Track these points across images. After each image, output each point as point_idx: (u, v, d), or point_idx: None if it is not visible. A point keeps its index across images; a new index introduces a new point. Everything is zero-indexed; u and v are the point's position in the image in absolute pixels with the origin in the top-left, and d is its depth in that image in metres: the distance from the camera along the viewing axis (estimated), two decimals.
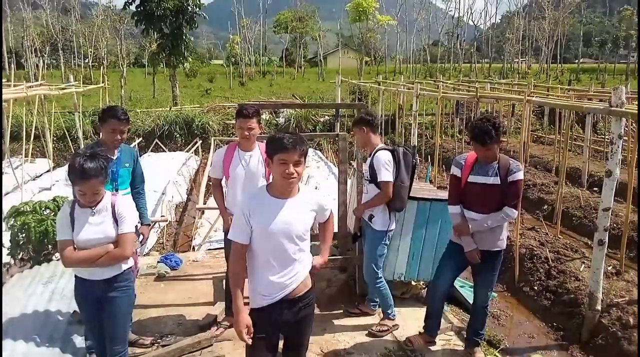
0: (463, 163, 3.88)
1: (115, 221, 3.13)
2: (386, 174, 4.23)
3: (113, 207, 3.14)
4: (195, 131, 16.50)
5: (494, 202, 3.79)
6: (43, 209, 5.11)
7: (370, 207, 4.38)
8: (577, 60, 57.43)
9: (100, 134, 3.97)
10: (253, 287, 2.78)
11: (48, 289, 4.44)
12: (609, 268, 5.99)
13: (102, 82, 15.87)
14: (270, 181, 2.77)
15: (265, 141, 2.63)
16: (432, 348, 4.31)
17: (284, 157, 2.58)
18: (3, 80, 13.02)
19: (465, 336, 4.39)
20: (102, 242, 3.10)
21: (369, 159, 4.40)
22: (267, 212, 2.68)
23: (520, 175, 3.76)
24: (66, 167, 3.14)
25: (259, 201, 2.71)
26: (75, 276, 3.22)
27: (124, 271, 3.24)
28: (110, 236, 3.12)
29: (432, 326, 4.29)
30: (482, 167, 3.79)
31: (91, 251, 3.05)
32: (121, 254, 3.14)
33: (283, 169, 2.59)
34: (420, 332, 4.34)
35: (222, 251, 5.23)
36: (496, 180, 3.74)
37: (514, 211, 3.81)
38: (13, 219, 4.94)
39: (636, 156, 7.26)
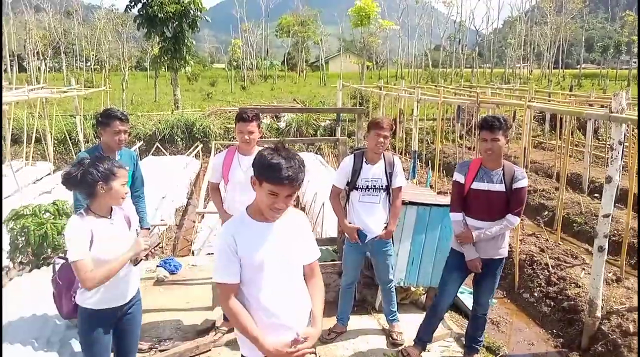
0: (467, 169, 3.80)
1: (128, 225, 3.03)
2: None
3: (126, 217, 3.03)
4: (197, 135, 16.55)
5: (498, 209, 3.75)
6: (43, 212, 5.11)
7: (398, 216, 4.35)
8: (578, 66, 57.53)
9: (101, 138, 3.97)
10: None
11: (46, 292, 4.43)
12: (609, 275, 5.98)
13: (104, 86, 15.94)
14: (250, 205, 2.38)
15: (256, 156, 2.24)
16: (431, 355, 4.29)
17: (276, 190, 2.18)
18: (5, 83, 13.07)
19: (464, 342, 4.38)
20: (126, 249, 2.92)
21: (376, 166, 4.16)
22: (255, 240, 2.29)
23: (525, 183, 3.72)
24: (65, 172, 3.02)
25: (243, 228, 2.30)
26: (89, 310, 2.89)
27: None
28: (128, 246, 2.93)
29: (426, 337, 4.20)
30: (487, 174, 3.73)
31: (113, 264, 2.79)
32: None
33: (271, 201, 2.20)
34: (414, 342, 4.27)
35: None
36: (501, 187, 3.69)
37: (517, 218, 3.77)
38: (13, 222, 4.94)
39: (637, 162, 7.24)
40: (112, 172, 2.84)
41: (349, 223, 4.22)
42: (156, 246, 2.97)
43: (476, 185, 3.74)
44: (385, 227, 4.23)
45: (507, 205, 3.73)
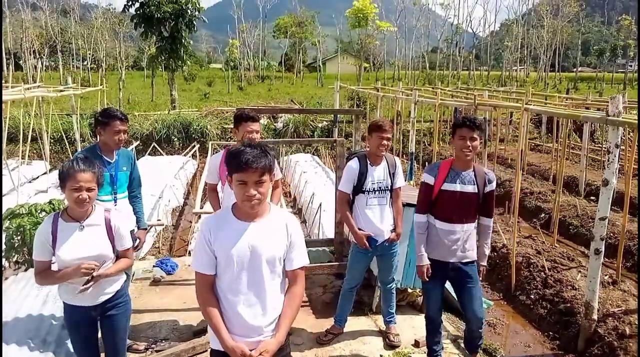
0: (437, 171, 3.72)
1: (110, 237, 2.97)
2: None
3: (108, 223, 2.97)
4: (193, 135, 16.51)
5: (468, 211, 3.70)
6: (39, 211, 5.08)
7: (402, 215, 4.36)
8: (575, 69, 57.72)
9: (98, 137, 3.96)
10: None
11: (42, 292, 4.41)
12: (606, 277, 5.99)
13: (101, 85, 15.88)
14: (236, 202, 2.40)
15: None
16: None
17: (242, 178, 2.24)
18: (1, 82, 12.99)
19: (460, 344, 4.38)
20: (94, 260, 2.89)
21: (380, 168, 4.17)
22: (230, 235, 2.32)
23: (495, 185, 3.73)
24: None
25: (222, 223, 2.37)
26: (65, 303, 3.03)
27: (120, 287, 3.13)
28: (104, 254, 2.95)
29: (437, 347, 4.11)
30: (458, 174, 3.66)
31: (57, 275, 2.86)
32: (131, 263, 3.20)
33: (242, 191, 2.25)
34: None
35: None
36: (473, 188, 3.64)
37: (491, 219, 3.80)
38: (8, 222, 4.91)
39: (634, 165, 7.26)
40: (66, 174, 2.80)
41: (359, 229, 4.17)
42: (90, 278, 2.87)
43: (447, 186, 3.66)
44: (393, 230, 4.25)
45: (475, 207, 3.70)
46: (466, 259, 3.78)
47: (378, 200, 4.17)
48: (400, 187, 4.28)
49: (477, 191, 3.65)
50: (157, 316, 4.84)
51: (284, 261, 2.43)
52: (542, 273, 6.31)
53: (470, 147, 3.57)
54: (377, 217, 4.17)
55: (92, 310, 3.02)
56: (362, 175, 4.12)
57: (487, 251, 3.89)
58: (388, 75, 51.67)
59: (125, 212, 3.99)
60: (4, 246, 4.92)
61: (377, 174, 4.15)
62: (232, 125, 4.25)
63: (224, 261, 2.33)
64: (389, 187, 4.19)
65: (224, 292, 2.37)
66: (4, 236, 4.91)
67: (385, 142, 4.05)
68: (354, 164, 4.17)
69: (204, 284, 2.37)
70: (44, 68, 40.96)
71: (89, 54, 43.38)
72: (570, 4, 51.91)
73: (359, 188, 4.15)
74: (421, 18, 57.52)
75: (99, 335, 3.17)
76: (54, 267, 2.90)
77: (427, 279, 3.80)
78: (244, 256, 2.32)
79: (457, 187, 3.65)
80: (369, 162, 4.16)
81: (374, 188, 4.15)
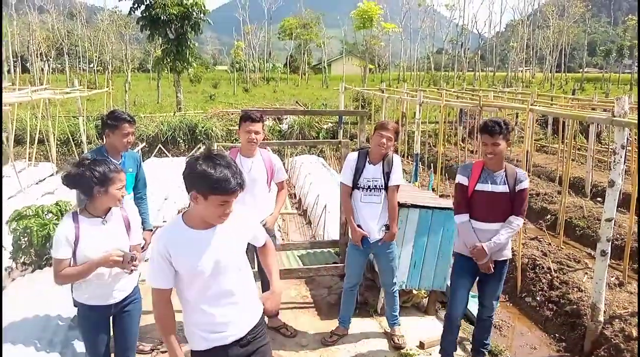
0: (470, 171, 3.80)
1: (128, 231, 3.09)
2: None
3: (126, 217, 3.08)
4: (199, 137, 16.54)
5: (502, 210, 3.75)
6: (45, 213, 5.11)
7: (396, 216, 4.35)
8: (581, 70, 57.42)
9: (104, 139, 3.98)
10: (191, 328, 2.49)
11: (49, 293, 4.44)
12: (612, 279, 5.96)
13: (107, 87, 15.98)
14: (186, 211, 2.42)
15: (188, 169, 2.25)
16: None
17: (228, 199, 2.21)
18: (8, 84, 13.10)
19: (468, 346, 4.37)
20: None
21: (376, 167, 4.17)
22: (191, 249, 2.30)
23: (526, 184, 3.74)
24: (65, 172, 3.02)
25: (179, 238, 2.32)
26: (82, 305, 3.07)
27: (137, 283, 3.22)
28: (124, 247, 3.03)
29: (450, 349, 4.12)
30: (490, 175, 3.73)
31: (83, 267, 2.89)
32: (141, 257, 3.22)
33: (223, 210, 2.24)
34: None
35: None
36: (505, 188, 3.70)
37: (521, 219, 3.78)
38: (15, 223, 4.95)
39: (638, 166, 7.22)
40: (108, 176, 2.89)
41: (358, 226, 4.20)
42: (132, 261, 2.93)
43: (480, 186, 3.75)
44: (386, 231, 4.23)
45: (510, 206, 3.73)
46: (502, 258, 3.86)
47: (372, 198, 4.19)
48: (397, 185, 4.23)
49: (508, 191, 3.71)
50: None
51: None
52: (548, 275, 6.28)
53: (493, 152, 3.65)
54: (368, 215, 4.19)
55: (112, 307, 3.10)
56: (358, 170, 4.18)
57: (502, 238, 3.69)
58: (393, 77, 51.67)
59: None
60: (11, 247, 4.96)
61: (373, 172, 4.17)
62: (237, 127, 4.27)
63: (188, 276, 2.34)
64: (383, 187, 4.18)
65: (196, 302, 2.41)
66: (11, 237, 4.95)
67: (384, 141, 4.05)
68: (352, 156, 4.25)
69: (163, 299, 2.39)
70: (51, 70, 41.12)
71: (96, 56, 43.63)
72: (576, 4, 51.68)
73: (354, 183, 4.20)
74: (426, 19, 57.40)
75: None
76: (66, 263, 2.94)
77: (492, 272, 3.81)
78: (209, 267, 2.32)
79: (489, 187, 3.72)
80: (368, 159, 4.19)
81: (368, 186, 4.17)
